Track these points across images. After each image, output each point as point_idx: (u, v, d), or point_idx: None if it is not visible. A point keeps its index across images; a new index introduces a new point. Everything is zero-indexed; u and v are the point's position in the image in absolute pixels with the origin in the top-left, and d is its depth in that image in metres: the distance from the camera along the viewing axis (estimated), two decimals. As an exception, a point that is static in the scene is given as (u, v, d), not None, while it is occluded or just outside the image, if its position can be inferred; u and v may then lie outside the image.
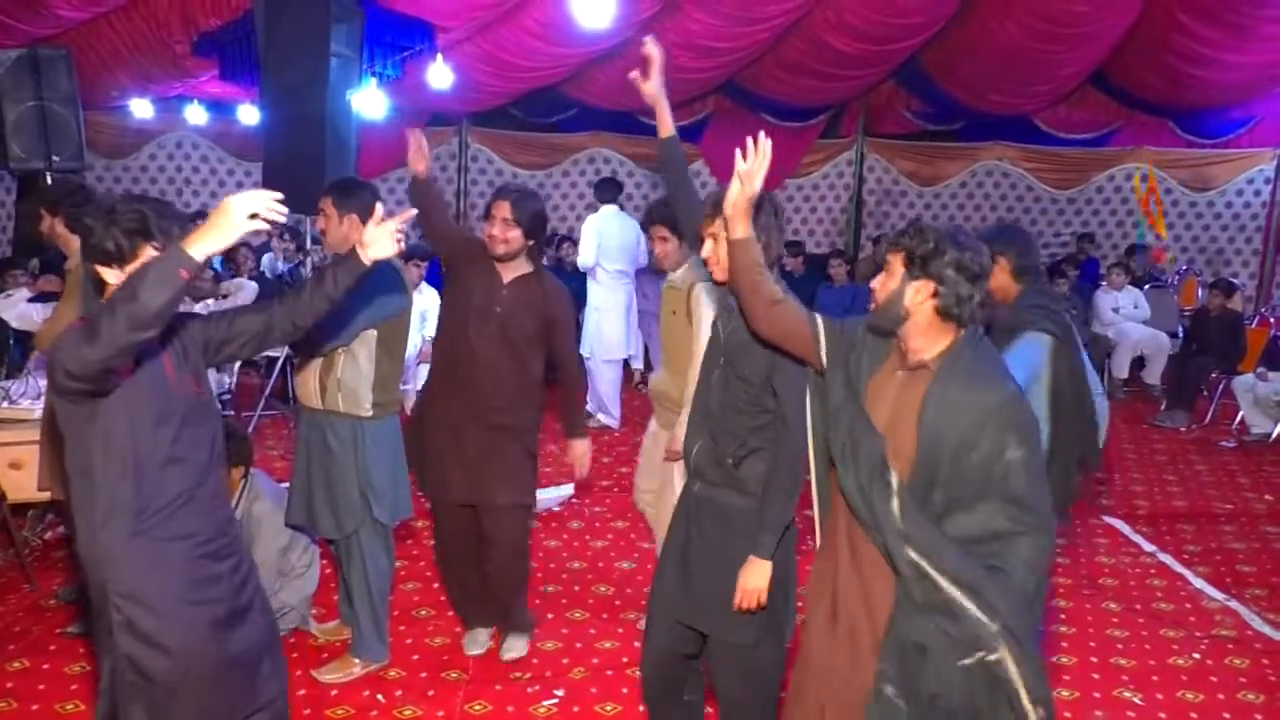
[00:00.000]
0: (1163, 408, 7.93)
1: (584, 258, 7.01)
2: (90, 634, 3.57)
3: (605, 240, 6.90)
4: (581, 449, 3.70)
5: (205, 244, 1.99)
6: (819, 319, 2.25)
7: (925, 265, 1.99)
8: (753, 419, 2.54)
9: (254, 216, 2.02)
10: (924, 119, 10.94)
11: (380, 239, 2.40)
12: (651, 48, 2.91)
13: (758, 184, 2.21)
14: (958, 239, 2.02)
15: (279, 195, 2.08)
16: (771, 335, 2.30)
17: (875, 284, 2.11)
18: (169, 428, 2.24)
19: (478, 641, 3.79)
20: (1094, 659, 3.90)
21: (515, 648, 3.75)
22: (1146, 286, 9.27)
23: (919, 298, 2.00)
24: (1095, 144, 11.13)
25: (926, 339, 2.03)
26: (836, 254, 8.77)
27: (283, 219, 2.09)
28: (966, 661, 1.99)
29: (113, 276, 2.22)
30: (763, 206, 2.54)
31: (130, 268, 2.19)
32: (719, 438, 2.59)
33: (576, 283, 7.20)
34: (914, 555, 2.01)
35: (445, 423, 3.53)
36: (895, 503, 2.04)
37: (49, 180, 6.10)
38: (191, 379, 2.33)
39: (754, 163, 2.20)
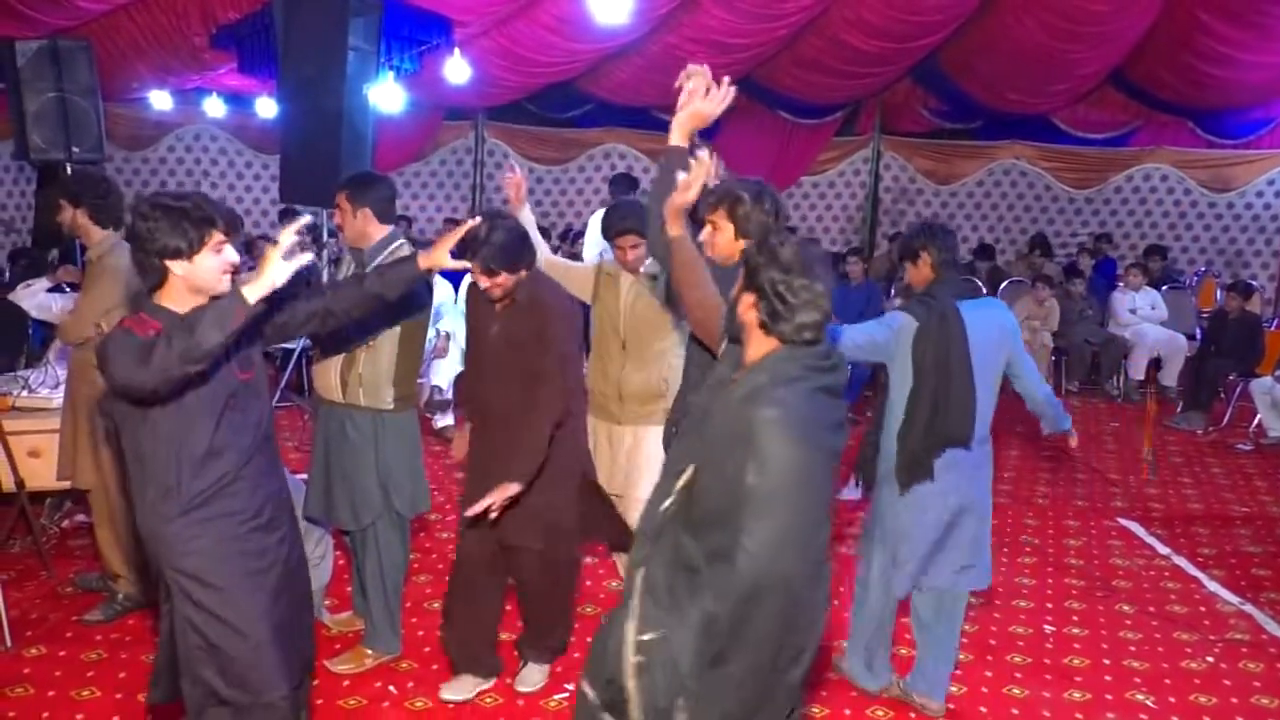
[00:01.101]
0: (1179, 410, 7.88)
1: (586, 251, 7.01)
2: (114, 614, 3.84)
3: None
4: (500, 493, 2.98)
5: (259, 289, 2.23)
6: None
7: (753, 278, 2.05)
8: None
9: (291, 255, 2.27)
10: (941, 117, 10.90)
11: (439, 254, 2.68)
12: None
13: (694, 193, 2.41)
14: (785, 260, 2.01)
15: (305, 220, 2.43)
16: (694, 327, 2.49)
17: (733, 292, 2.15)
18: (212, 418, 2.37)
19: (462, 689, 3.41)
20: (1106, 661, 3.89)
21: (531, 680, 3.46)
22: (1164, 288, 9.21)
23: (745, 308, 2.06)
24: (1114, 143, 11.06)
25: (752, 350, 2.07)
26: (853, 252, 8.75)
27: (308, 220, 2.41)
28: (619, 651, 2.05)
29: (181, 269, 2.34)
30: (760, 202, 2.67)
31: (198, 256, 2.33)
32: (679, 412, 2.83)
33: None
34: (645, 546, 2.10)
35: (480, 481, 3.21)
36: (670, 500, 2.09)
37: (69, 171, 6.14)
38: (238, 365, 2.44)
39: (694, 173, 2.40)
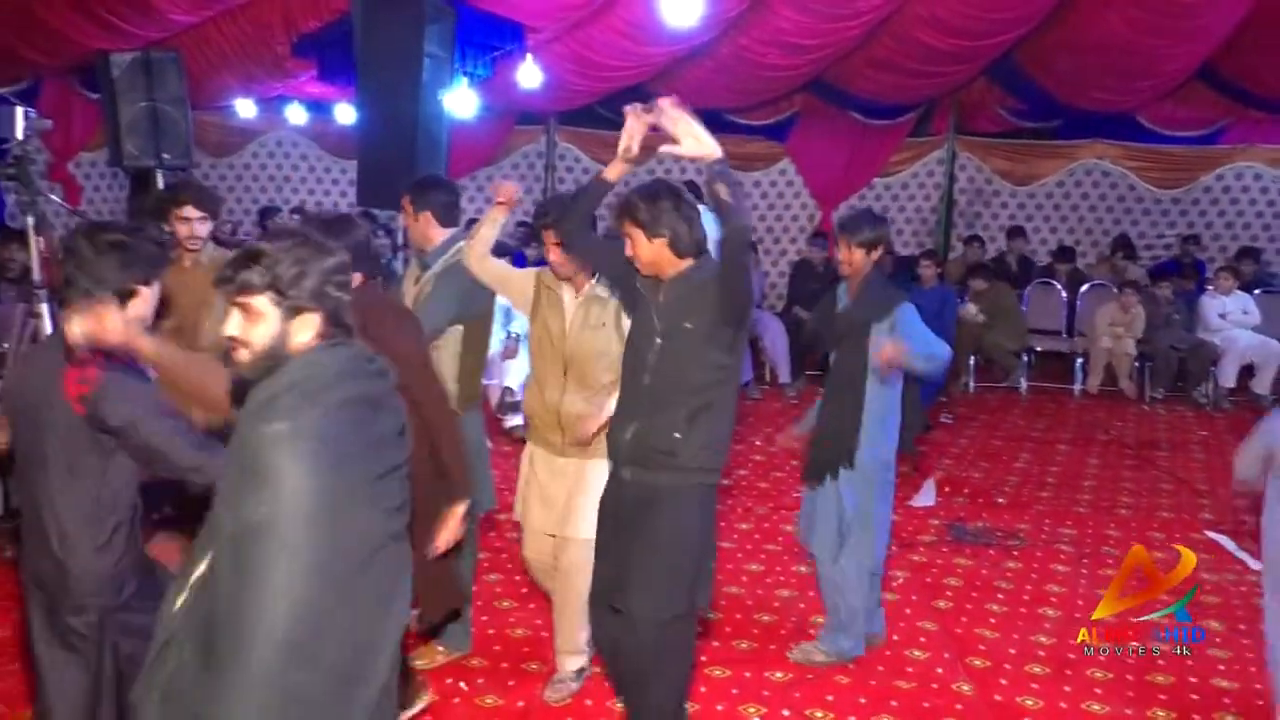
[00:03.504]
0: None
1: None
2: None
3: None
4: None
5: None
6: None
7: (299, 289, 1.68)
8: (694, 377, 2.74)
9: None
10: (1019, 116, 10.63)
11: None
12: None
13: None
14: (296, 239, 1.69)
15: None
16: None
17: (240, 332, 1.72)
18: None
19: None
20: (1193, 679, 3.75)
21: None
22: (1257, 291, 8.85)
23: (305, 327, 1.71)
24: (1203, 141, 10.65)
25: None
26: (926, 255, 8.59)
27: None
28: None
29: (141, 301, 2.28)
30: (657, 200, 2.75)
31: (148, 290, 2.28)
32: (657, 416, 2.75)
33: None
34: (154, 662, 1.74)
35: None
36: (183, 597, 1.74)
37: (159, 178, 6.36)
38: None
39: None
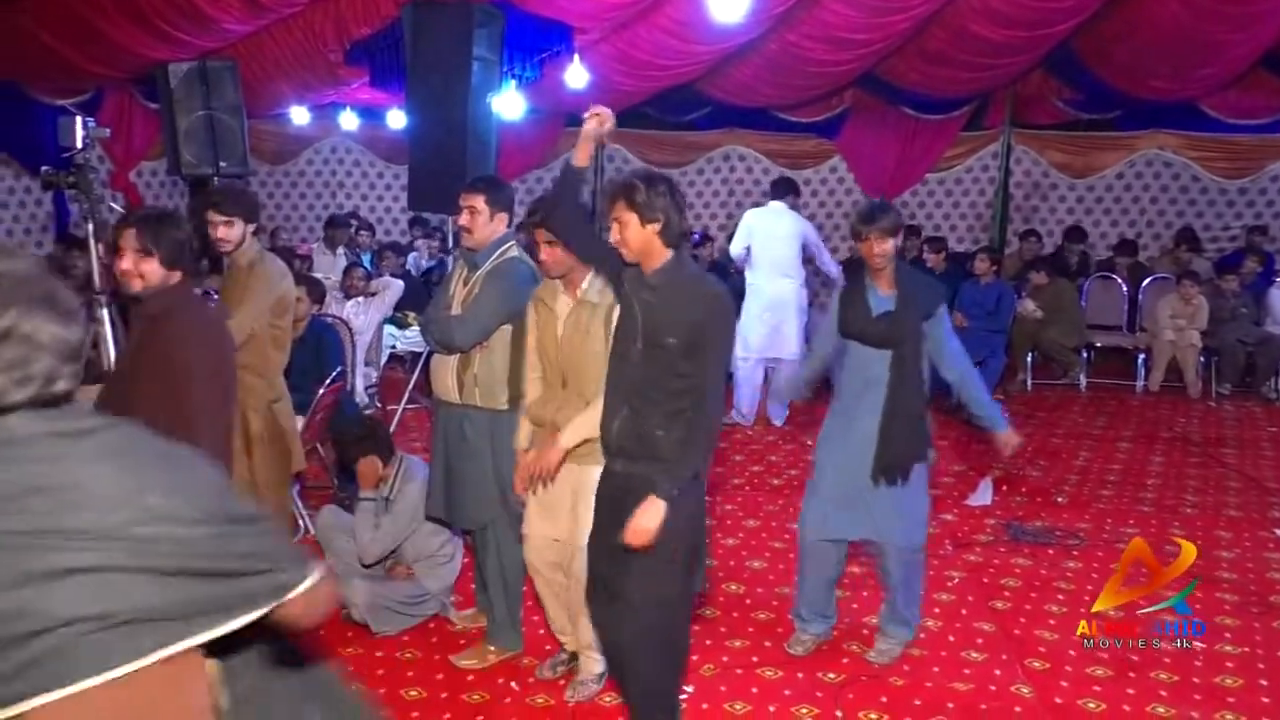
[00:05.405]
0: (1346, 414, 7.30)
1: (732, 248, 7.12)
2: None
3: (756, 235, 6.93)
4: None
5: None
6: None
7: None
8: (671, 384, 2.76)
9: None
10: (1077, 108, 10.39)
11: None
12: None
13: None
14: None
15: None
16: None
17: None
18: None
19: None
20: (1264, 682, 3.62)
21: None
22: (1328, 282, 8.54)
23: None
24: (1270, 130, 10.33)
25: None
26: (982, 250, 8.43)
27: None
28: None
29: None
30: (654, 186, 2.76)
31: None
32: (641, 410, 2.79)
33: (740, 280, 7.15)
34: None
35: None
36: None
37: (216, 185, 6.49)
38: None
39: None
